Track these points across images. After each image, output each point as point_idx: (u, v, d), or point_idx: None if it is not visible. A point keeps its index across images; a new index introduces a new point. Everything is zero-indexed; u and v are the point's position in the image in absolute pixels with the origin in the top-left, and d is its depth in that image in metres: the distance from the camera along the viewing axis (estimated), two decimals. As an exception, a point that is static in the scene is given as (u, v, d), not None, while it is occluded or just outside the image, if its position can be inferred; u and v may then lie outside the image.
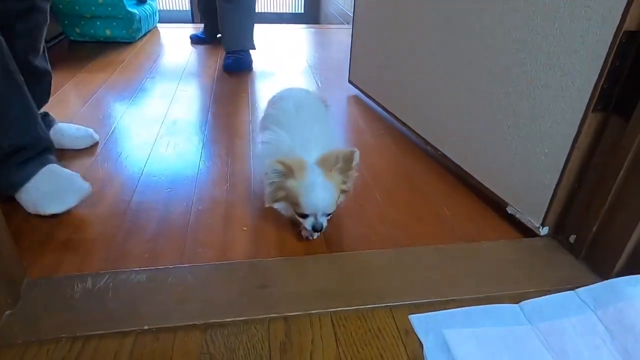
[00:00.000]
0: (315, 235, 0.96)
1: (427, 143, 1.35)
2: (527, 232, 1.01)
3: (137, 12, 2.44)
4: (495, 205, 1.10)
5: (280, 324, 0.75)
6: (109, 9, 2.34)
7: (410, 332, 0.75)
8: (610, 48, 0.77)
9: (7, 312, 0.74)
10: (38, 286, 0.80)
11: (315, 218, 0.86)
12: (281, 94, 1.17)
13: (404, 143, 1.45)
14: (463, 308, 0.79)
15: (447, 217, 1.08)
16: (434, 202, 1.14)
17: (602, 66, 0.78)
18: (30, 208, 1.00)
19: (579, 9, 0.81)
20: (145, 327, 0.73)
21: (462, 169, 1.21)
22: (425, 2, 1.26)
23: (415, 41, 1.34)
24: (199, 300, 0.79)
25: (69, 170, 1.05)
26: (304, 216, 0.87)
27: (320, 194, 0.85)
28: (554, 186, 0.92)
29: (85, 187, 1.03)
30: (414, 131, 1.42)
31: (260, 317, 0.76)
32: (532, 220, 0.99)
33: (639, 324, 0.72)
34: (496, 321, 0.77)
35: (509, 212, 1.05)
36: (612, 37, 0.76)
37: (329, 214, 0.88)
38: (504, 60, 1.00)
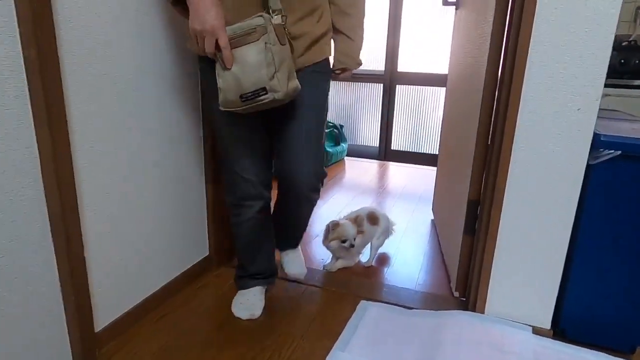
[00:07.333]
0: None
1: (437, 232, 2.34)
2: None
3: (331, 151, 4.10)
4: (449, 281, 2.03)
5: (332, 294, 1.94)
6: (317, 148, 4.06)
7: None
8: (466, 205, 1.77)
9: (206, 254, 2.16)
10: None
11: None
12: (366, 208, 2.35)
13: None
14: (386, 305, 1.81)
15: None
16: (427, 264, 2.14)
17: (465, 215, 1.78)
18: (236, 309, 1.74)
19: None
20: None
21: (445, 255, 2.17)
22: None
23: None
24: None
25: (261, 301, 1.76)
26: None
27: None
28: (456, 275, 1.86)
29: (256, 314, 1.71)
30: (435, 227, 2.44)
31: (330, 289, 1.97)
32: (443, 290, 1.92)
33: (441, 324, 1.62)
34: (400, 313, 1.76)
35: (451, 286, 1.98)
36: (465, 202, 1.76)
37: (346, 241, 2.01)
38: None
